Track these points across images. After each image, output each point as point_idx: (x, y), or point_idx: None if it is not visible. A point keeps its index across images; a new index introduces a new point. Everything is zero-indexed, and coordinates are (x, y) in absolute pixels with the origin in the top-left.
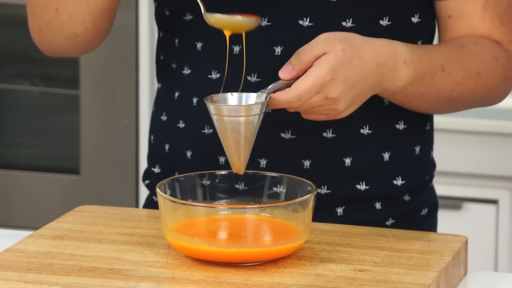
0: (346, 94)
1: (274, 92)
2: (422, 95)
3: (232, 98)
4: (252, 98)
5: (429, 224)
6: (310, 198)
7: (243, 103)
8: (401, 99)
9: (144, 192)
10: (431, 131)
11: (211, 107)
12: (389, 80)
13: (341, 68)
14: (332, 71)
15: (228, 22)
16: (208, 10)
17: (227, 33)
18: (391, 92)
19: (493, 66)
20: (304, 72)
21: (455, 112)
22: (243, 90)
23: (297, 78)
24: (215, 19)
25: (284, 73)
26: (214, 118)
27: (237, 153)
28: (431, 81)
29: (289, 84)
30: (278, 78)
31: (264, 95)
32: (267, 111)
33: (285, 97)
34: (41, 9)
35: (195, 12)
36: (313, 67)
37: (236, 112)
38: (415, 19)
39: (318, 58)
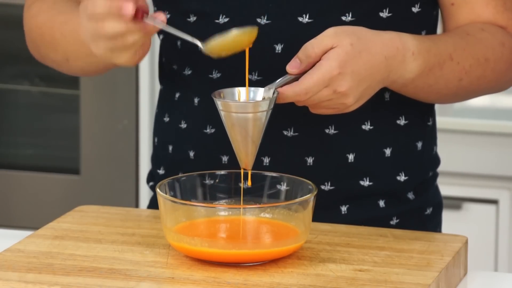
0: (354, 88)
1: (281, 87)
2: (432, 86)
3: (240, 93)
4: (259, 93)
5: (433, 223)
6: (310, 198)
7: (251, 98)
8: (411, 91)
9: (144, 192)
10: (433, 126)
11: (219, 103)
12: (398, 73)
13: (349, 62)
14: (340, 65)
15: (227, 44)
16: (209, 9)
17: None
18: (400, 84)
19: (501, 52)
20: (312, 66)
21: (465, 100)
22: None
23: (304, 72)
24: (212, 46)
25: (292, 67)
26: (222, 114)
27: (245, 149)
28: (440, 71)
29: (296, 78)
30: (279, 76)
31: (272, 90)
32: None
33: (293, 91)
34: (48, 50)
35: (199, 14)
36: (321, 61)
37: (244, 109)
38: (415, 9)
39: (326, 52)
